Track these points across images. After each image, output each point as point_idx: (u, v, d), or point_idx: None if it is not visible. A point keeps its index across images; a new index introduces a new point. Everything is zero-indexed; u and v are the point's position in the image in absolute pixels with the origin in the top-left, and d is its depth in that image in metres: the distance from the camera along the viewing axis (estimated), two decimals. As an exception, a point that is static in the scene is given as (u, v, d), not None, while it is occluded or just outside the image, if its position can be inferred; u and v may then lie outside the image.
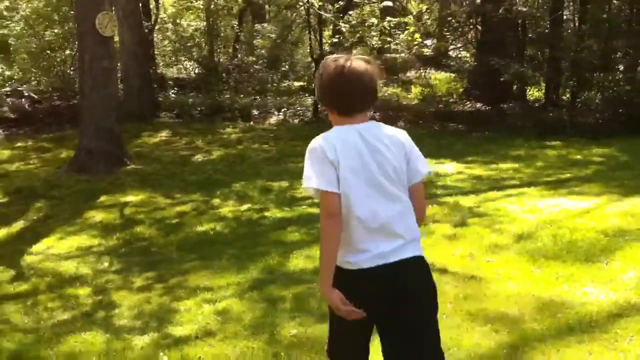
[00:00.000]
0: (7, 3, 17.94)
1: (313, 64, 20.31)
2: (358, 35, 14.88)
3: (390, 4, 11.91)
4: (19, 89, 16.61)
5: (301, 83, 21.89)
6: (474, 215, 7.12)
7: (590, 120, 13.36)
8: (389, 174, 2.69)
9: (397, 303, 2.62)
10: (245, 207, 8.21)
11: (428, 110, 15.67)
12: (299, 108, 17.06)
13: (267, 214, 7.81)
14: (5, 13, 17.77)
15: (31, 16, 17.29)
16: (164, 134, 14.28)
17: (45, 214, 8.46)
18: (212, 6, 23.42)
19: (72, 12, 16.70)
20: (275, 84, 22.19)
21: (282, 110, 16.93)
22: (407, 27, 12.36)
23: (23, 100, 16.29)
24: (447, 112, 15.55)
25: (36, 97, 16.72)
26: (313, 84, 20.46)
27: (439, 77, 22.07)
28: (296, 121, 16.16)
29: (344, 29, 13.39)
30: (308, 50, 24.02)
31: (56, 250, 6.86)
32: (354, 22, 15.52)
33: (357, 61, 2.73)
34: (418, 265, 2.73)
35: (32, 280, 5.92)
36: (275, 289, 5.27)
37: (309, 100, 17.53)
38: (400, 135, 2.85)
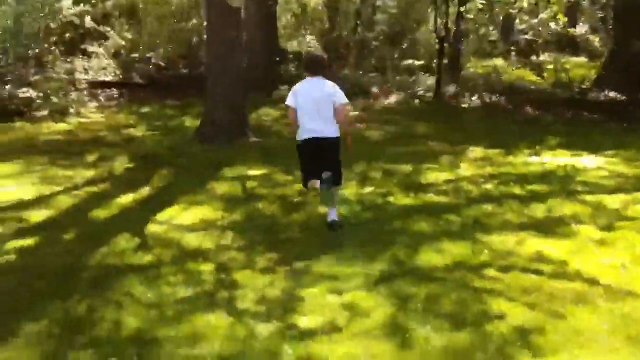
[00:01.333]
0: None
1: (437, 42, 19.70)
2: (487, 15, 14.18)
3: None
4: (147, 55, 17.05)
5: (422, 62, 21.29)
6: (621, 218, 6.49)
7: None
8: (317, 101, 6.25)
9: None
10: (368, 189, 7.91)
11: (559, 97, 14.72)
12: (419, 88, 16.50)
13: (391, 199, 7.47)
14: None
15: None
16: (283, 107, 14.17)
17: (169, 182, 8.52)
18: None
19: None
20: (395, 61, 21.74)
21: (402, 89, 16.45)
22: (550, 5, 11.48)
23: (150, 66, 16.71)
24: (579, 100, 14.55)
25: (163, 64, 17.12)
26: (434, 62, 20.01)
27: (570, 62, 20.90)
28: (417, 101, 15.64)
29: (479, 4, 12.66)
30: (431, 27, 23.41)
31: (180, 220, 6.83)
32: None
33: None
34: (324, 140, 6.34)
35: (155, 251, 5.89)
36: (405, 285, 4.95)
37: (430, 81, 16.93)
38: (328, 84, 6.37)
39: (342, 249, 5.86)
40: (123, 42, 16.45)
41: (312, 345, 4.08)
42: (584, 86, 16.15)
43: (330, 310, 4.56)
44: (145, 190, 8.08)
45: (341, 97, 6.27)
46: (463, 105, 14.96)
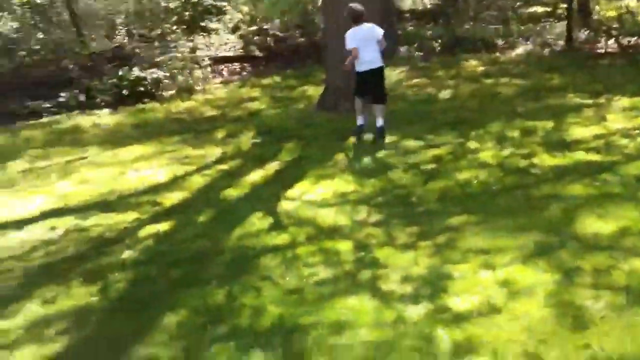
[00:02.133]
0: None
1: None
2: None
3: None
4: (264, 27, 16.99)
5: (547, 9, 19.89)
6: None
7: None
8: (367, 37, 8.35)
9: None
10: (507, 151, 7.34)
11: None
12: (548, 37, 15.35)
13: (535, 160, 6.87)
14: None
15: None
16: (404, 69, 13.69)
17: (298, 155, 8.34)
18: None
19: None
20: (517, 12, 20.47)
21: (530, 39, 15.39)
22: None
23: (268, 38, 16.64)
24: None
25: (280, 34, 17.00)
26: (560, 8, 18.59)
27: None
28: (546, 51, 14.57)
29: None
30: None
31: (312, 196, 6.62)
32: None
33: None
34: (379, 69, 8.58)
35: (290, 230, 5.71)
36: (568, 257, 4.46)
37: (558, 28, 15.71)
38: (372, 26, 8.48)
39: (487, 218, 5.42)
40: (241, 16, 16.44)
41: (470, 329, 3.74)
42: None
43: (484, 288, 4.18)
44: (273, 166, 7.95)
45: (380, 33, 8.54)
46: (599, 51, 13.77)
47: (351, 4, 8.62)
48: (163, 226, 6.16)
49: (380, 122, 8.62)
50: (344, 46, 9.53)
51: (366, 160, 7.75)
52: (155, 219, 6.41)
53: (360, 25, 8.44)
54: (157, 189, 7.43)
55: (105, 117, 11.59)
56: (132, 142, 9.69)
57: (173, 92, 12.86)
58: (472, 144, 7.85)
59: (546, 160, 6.80)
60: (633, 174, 6.01)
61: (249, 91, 12.99)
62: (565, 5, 19.48)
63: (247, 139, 9.42)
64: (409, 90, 11.80)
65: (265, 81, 13.79)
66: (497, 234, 5.02)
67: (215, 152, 8.86)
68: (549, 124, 8.35)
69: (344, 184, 6.90)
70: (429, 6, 21.12)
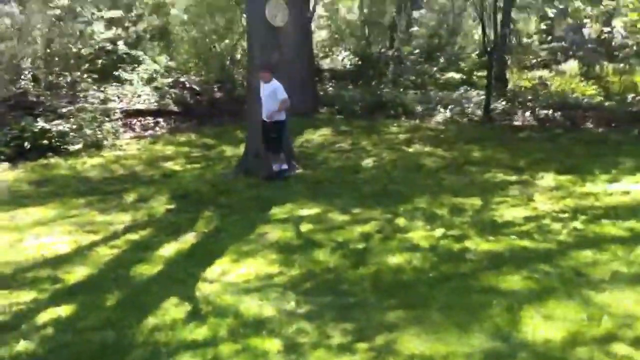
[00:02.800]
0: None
1: (484, 55, 18.83)
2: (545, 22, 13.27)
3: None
4: (181, 79, 16.43)
5: (462, 76, 20.37)
6: None
7: None
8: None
9: None
10: (439, 232, 7.04)
11: (622, 112, 13.68)
12: (466, 105, 15.56)
13: (468, 244, 6.59)
14: (167, 0, 17.68)
15: (191, 4, 17.03)
16: (326, 132, 13.44)
17: (215, 226, 7.76)
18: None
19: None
20: (435, 77, 20.85)
21: (449, 107, 15.54)
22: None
23: (185, 92, 16.08)
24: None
25: (197, 88, 16.49)
26: (475, 76, 19.03)
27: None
28: (465, 120, 14.73)
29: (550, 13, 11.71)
30: (475, 38, 22.49)
31: (233, 277, 6.05)
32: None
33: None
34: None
35: (211, 321, 5.09)
36: (521, 370, 4.08)
37: (476, 97, 15.95)
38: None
39: (426, 314, 5.01)
40: (158, 67, 15.80)
41: None
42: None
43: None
44: (189, 238, 7.33)
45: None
46: (516, 123, 14.04)
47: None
48: (65, 310, 5.41)
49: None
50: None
51: (289, 234, 7.26)
52: (56, 300, 5.65)
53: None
54: (58, 261, 6.64)
55: (2, 173, 10.60)
56: (32, 203, 8.81)
57: (80, 146, 12.01)
58: (401, 221, 7.53)
59: (480, 244, 6.53)
60: (571, 266, 5.79)
61: (163, 149, 12.33)
62: (480, 74, 20.17)
63: (160, 205, 8.76)
64: (331, 155, 11.51)
65: (181, 138, 13.18)
66: (439, 336, 4.61)
67: (124, 218, 8.15)
68: (477, 202, 8.18)
69: (267, 263, 6.37)
70: (348, 66, 21.21)
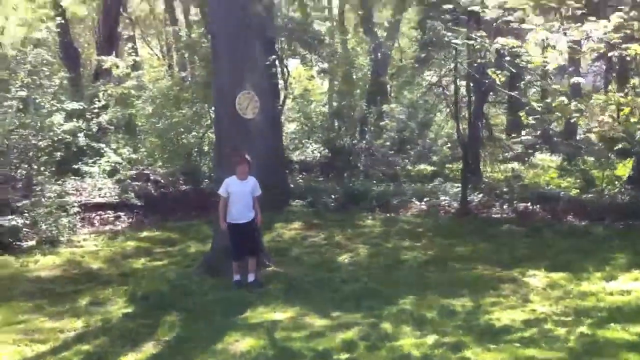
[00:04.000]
0: (135, 82, 17.40)
1: (459, 148, 18.61)
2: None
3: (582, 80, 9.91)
4: (145, 172, 15.73)
5: (433, 167, 20.09)
6: None
7: None
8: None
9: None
10: (431, 339, 6.26)
11: (603, 203, 13.28)
12: (442, 197, 15.08)
13: (467, 353, 5.82)
14: (133, 92, 17.21)
15: (157, 96, 16.56)
16: (298, 226, 12.75)
17: (177, 335, 6.88)
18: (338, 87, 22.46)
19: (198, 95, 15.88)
20: (407, 169, 20.56)
21: (424, 199, 15.04)
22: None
23: (149, 184, 15.34)
24: (623, 205, 13.04)
25: (162, 181, 15.78)
26: (461, 169, 18.72)
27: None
28: (441, 212, 14.20)
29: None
30: (445, 132, 22.41)
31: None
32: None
33: None
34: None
35: None
36: None
37: (452, 190, 15.50)
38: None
39: None
40: (120, 159, 15.07)
41: None
42: (616, 189, 14.71)
43: None
44: (148, 349, 6.46)
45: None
46: (495, 216, 13.54)
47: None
48: None
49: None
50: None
51: (263, 343, 6.41)
52: None
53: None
54: (-5, 379, 5.71)
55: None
56: (-27, 308, 7.86)
57: (34, 243, 11.10)
58: (387, 326, 6.75)
59: (480, 355, 5.77)
60: (591, 382, 5.07)
61: (123, 245, 11.47)
62: (452, 166, 19.92)
63: (116, 308, 7.90)
64: (304, 251, 10.78)
65: (143, 233, 12.34)
66: None
67: (76, 325, 7.30)
68: (468, 303, 7.47)
69: (240, 382, 5.52)
70: (318, 158, 20.82)
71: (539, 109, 12.49)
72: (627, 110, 8.55)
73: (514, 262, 9.50)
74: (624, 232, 11.47)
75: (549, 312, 6.98)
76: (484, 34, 10.97)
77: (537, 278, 8.57)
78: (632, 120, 8.52)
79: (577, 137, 21.24)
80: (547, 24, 7.52)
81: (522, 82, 17.03)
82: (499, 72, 10.96)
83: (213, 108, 16.15)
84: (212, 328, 7.00)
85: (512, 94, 16.10)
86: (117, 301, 8.16)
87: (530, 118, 13.49)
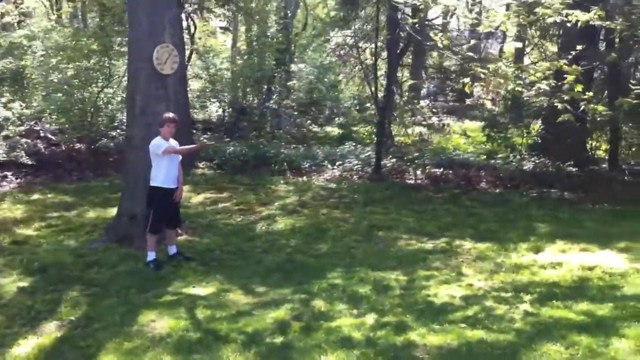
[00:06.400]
0: (26, 31, 15.80)
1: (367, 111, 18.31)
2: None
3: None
4: (35, 128, 14.33)
5: (341, 130, 19.66)
6: None
7: None
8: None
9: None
10: (370, 318, 5.81)
11: (512, 169, 13.35)
12: (355, 162, 14.66)
13: (412, 335, 5.38)
14: (24, 42, 15.59)
15: (51, 47, 15.06)
16: (207, 190, 11.98)
17: (84, 313, 6.08)
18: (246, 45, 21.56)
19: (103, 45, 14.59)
20: (314, 131, 20.12)
21: (336, 163, 14.59)
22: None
23: (39, 141, 14.00)
24: (535, 173, 13.14)
25: (54, 138, 14.45)
26: (354, 129, 18.41)
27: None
28: (355, 178, 13.81)
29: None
30: (352, 93, 22.06)
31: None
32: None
33: None
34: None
35: None
36: None
37: (363, 154, 15.11)
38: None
39: None
40: (10, 114, 13.54)
41: None
42: (521, 155, 14.84)
43: None
44: (52, 329, 5.65)
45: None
46: (409, 182, 13.31)
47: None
48: None
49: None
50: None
51: (183, 323, 5.74)
52: None
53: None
54: None
55: None
56: None
57: None
58: (320, 304, 6.23)
59: (426, 336, 5.33)
60: (545, 365, 4.76)
61: (13, 209, 10.29)
62: (358, 129, 19.56)
63: (11, 282, 6.96)
64: (218, 218, 10.06)
65: (34, 196, 11.16)
66: None
67: (-37, 304, 6.28)
68: (401, 277, 7.09)
69: (161, 372, 4.84)
70: (223, 118, 19.93)
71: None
72: (570, 78, 8.36)
73: (438, 231, 9.24)
74: (538, 199, 11.51)
75: (486, 287, 6.69)
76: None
77: (464, 248, 8.32)
78: (576, 89, 8.30)
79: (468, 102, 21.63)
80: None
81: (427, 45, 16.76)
82: (440, 34, 10.58)
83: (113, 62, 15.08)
84: (123, 306, 6.24)
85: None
86: (10, 274, 7.19)
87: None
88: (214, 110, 20.51)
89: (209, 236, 8.88)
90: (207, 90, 19.74)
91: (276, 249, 8.34)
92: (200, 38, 20.06)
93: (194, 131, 15.90)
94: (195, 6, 17.61)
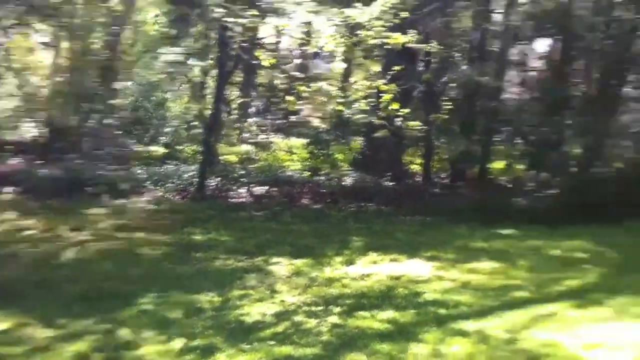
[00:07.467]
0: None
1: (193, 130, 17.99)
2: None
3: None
4: None
5: (165, 150, 19.16)
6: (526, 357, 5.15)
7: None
8: None
9: None
10: (178, 344, 5.59)
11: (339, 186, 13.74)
12: (177, 182, 14.32)
13: (220, 357, 5.24)
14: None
15: None
16: (10, 216, 11.09)
17: None
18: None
19: None
20: (137, 150, 19.42)
21: (159, 184, 14.15)
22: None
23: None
24: (353, 188, 13.62)
25: None
26: (192, 148, 18.07)
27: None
28: (177, 198, 13.49)
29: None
30: (176, 112, 21.61)
31: None
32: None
33: None
34: None
35: None
36: None
37: (186, 173, 14.81)
38: None
39: None
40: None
41: None
42: (342, 171, 15.35)
43: None
44: None
45: None
46: (232, 201, 13.23)
47: None
48: None
49: None
50: None
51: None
52: None
53: None
54: None
55: None
56: None
57: None
58: (126, 332, 5.92)
59: (235, 357, 5.23)
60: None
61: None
62: (183, 148, 19.17)
63: None
64: (20, 247, 9.31)
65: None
66: None
67: None
68: (215, 299, 6.93)
69: None
70: (37, 138, 18.64)
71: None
72: (387, 97, 8.82)
73: (257, 250, 9.20)
74: (355, 214, 11.90)
75: (298, 302, 6.73)
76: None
77: (281, 265, 8.36)
78: (392, 107, 8.75)
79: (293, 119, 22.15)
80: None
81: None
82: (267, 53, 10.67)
83: None
84: None
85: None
86: None
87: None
88: (27, 130, 19.16)
89: (7, 266, 8.18)
90: (21, 110, 18.42)
91: (84, 277, 7.84)
92: (14, 55, 18.69)
93: (1, 154, 14.67)
94: (14, 21, 16.39)
